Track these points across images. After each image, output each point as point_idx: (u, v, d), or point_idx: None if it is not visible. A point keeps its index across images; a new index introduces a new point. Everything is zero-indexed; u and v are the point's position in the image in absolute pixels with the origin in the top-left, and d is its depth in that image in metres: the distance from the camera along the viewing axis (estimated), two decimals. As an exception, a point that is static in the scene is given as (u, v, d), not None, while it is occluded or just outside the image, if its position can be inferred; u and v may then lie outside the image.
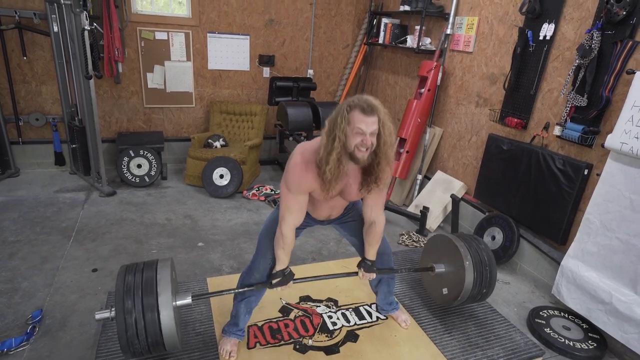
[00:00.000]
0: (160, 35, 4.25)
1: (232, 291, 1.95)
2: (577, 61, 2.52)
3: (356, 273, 2.05)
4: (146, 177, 4.02)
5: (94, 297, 2.40)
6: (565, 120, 2.65)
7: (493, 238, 3.16)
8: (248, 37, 4.57)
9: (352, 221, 2.05)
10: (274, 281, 1.88)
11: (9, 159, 4.00)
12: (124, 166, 3.94)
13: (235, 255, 2.97)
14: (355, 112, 1.50)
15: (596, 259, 2.48)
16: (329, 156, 1.55)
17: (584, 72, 2.50)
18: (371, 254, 2.01)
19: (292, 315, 2.33)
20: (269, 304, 2.38)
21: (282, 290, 1.91)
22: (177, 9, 4.38)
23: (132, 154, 3.95)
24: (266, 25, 4.59)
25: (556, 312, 2.57)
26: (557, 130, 2.71)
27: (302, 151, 1.65)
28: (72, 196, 3.70)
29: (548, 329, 2.40)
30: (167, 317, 1.65)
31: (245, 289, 1.94)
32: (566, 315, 2.56)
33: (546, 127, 2.85)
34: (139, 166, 3.99)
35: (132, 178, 3.98)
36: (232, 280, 2.55)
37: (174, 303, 1.72)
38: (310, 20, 4.75)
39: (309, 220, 1.98)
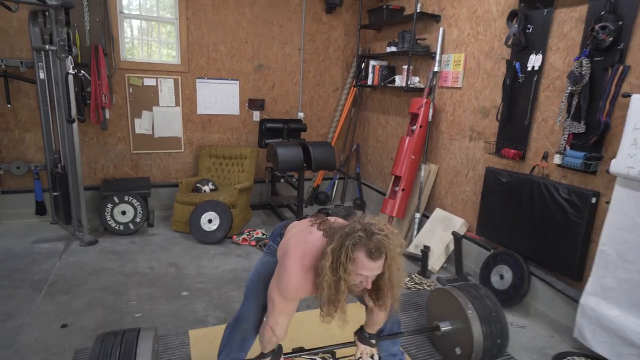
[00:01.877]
0: (149, 82, 4.25)
1: None
2: (569, 88, 2.48)
3: (353, 343, 1.87)
4: (131, 225, 3.81)
5: (60, 357, 2.11)
6: (565, 148, 2.56)
7: (502, 277, 2.95)
8: (237, 82, 4.59)
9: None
10: None
11: (-16, 209, 3.80)
12: (108, 213, 3.75)
13: (222, 305, 2.71)
14: (361, 255, 1.32)
15: (618, 295, 2.27)
16: (336, 297, 1.38)
17: (578, 98, 2.46)
18: (372, 329, 1.83)
19: (284, 371, 2.04)
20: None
21: None
22: (166, 55, 4.42)
23: (117, 201, 3.77)
24: (255, 71, 4.64)
25: (582, 359, 2.31)
26: (557, 159, 2.61)
27: (301, 256, 1.47)
28: (49, 246, 3.46)
29: (574, 378, 2.13)
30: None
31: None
32: (592, 361, 2.29)
33: (545, 157, 2.75)
34: (124, 213, 3.80)
35: (115, 226, 3.77)
36: (216, 332, 2.29)
37: None
38: (299, 65, 4.82)
39: None
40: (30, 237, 3.63)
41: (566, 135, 2.55)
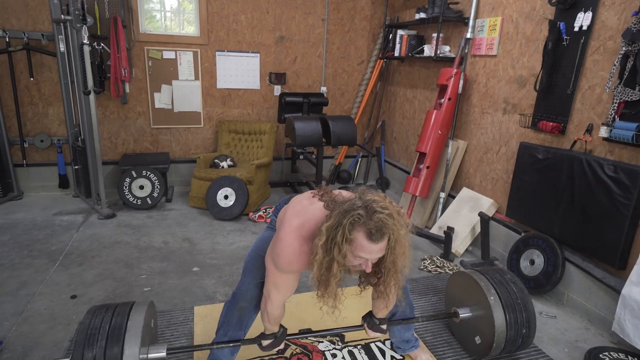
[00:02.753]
0: (168, 54, 4.17)
1: (213, 347, 1.65)
2: (623, 49, 2.14)
3: (362, 327, 1.73)
4: (148, 199, 3.81)
5: (66, 327, 2.10)
6: (614, 118, 2.24)
7: (532, 262, 2.69)
8: (258, 54, 4.43)
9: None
10: (264, 343, 1.61)
11: (12, 181, 3.90)
12: (126, 187, 3.75)
13: (232, 282, 2.63)
14: (360, 235, 1.15)
15: (668, 287, 1.98)
16: (327, 278, 1.23)
17: (634, 60, 2.12)
18: (381, 314, 1.68)
19: (288, 353, 1.94)
20: (262, 339, 2.01)
21: (275, 351, 1.65)
22: (186, 27, 4.31)
23: (134, 175, 3.76)
24: (277, 43, 4.45)
25: (621, 355, 2.06)
26: (603, 132, 2.29)
27: (299, 226, 1.32)
28: (69, 219, 3.51)
29: (612, 377, 1.89)
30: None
31: (229, 344, 1.65)
32: None
33: (589, 130, 2.43)
34: (141, 187, 3.79)
35: (133, 200, 3.77)
36: (221, 310, 2.20)
37: (142, 356, 1.44)
38: (323, 37, 4.58)
39: None
40: (52, 210, 3.70)
41: (616, 105, 2.22)
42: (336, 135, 3.49)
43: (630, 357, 2.05)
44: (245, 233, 3.42)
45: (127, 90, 4.12)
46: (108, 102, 4.11)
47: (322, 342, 2.02)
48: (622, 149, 2.25)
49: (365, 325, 1.70)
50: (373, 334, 1.70)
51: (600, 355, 2.05)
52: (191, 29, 4.28)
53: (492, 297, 1.83)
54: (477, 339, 1.91)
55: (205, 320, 2.15)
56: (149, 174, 3.79)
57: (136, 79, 4.14)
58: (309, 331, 2.08)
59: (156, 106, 4.26)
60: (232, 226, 3.54)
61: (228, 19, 4.24)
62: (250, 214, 3.73)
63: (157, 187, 3.82)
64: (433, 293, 2.55)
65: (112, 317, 1.50)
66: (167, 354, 1.54)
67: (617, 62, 2.18)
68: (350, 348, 1.99)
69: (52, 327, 2.09)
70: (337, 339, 2.05)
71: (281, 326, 1.63)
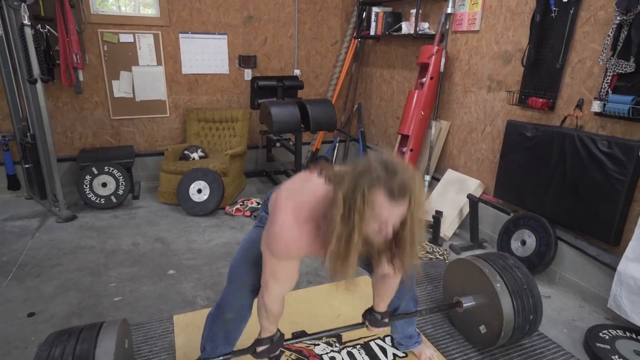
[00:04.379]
0: (126, 38, 3.78)
1: None
2: (617, 19, 2.05)
3: (363, 324, 1.58)
4: (113, 197, 3.48)
5: (23, 352, 1.83)
6: (607, 92, 2.17)
7: (523, 243, 2.64)
8: (225, 36, 4.12)
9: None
10: (259, 349, 1.41)
11: (-49, 185, 3.46)
12: (86, 186, 3.41)
13: (213, 284, 2.42)
14: (380, 196, 0.98)
15: (666, 262, 1.96)
16: (346, 252, 1.05)
17: (628, 30, 2.03)
18: (382, 307, 1.53)
19: (282, 359, 1.77)
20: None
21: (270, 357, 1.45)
22: (143, 9, 3.93)
23: (95, 172, 3.42)
24: (245, 23, 4.15)
25: (620, 332, 2.03)
26: (595, 106, 2.22)
27: (295, 206, 1.14)
28: (22, 224, 3.15)
29: (616, 357, 1.85)
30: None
31: (220, 358, 1.47)
32: (634, 336, 2.01)
33: (579, 105, 2.36)
34: (104, 185, 3.46)
35: (96, 199, 3.44)
36: (204, 317, 1.99)
37: None
38: (294, 16, 4.32)
39: None
40: (2, 215, 3.31)
41: (609, 78, 2.15)
42: (315, 120, 3.29)
43: (628, 333, 2.03)
44: (223, 228, 3.19)
45: (81, 78, 3.73)
46: (60, 92, 3.70)
47: (319, 344, 1.87)
48: (615, 123, 2.19)
49: (367, 323, 1.56)
50: (376, 330, 1.57)
51: (600, 334, 2.01)
52: (149, 11, 3.90)
53: (498, 285, 1.73)
54: (482, 329, 1.81)
55: (187, 330, 1.94)
56: (112, 170, 3.46)
57: (90, 66, 3.75)
58: (303, 334, 1.92)
59: (115, 95, 3.89)
60: (207, 222, 3.30)
61: (190, -3, 3.89)
62: (227, 207, 3.49)
63: (121, 183, 3.49)
64: (427, 281, 2.45)
65: (75, 345, 1.25)
66: None
67: (610, 32, 2.10)
68: (349, 349, 1.85)
69: (7, 354, 1.82)
70: (334, 340, 1.90)
71: (278, 330, 1.45)
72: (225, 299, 1.46)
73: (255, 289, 1.41)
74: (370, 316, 1.56)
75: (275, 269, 1.23)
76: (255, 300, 1.43)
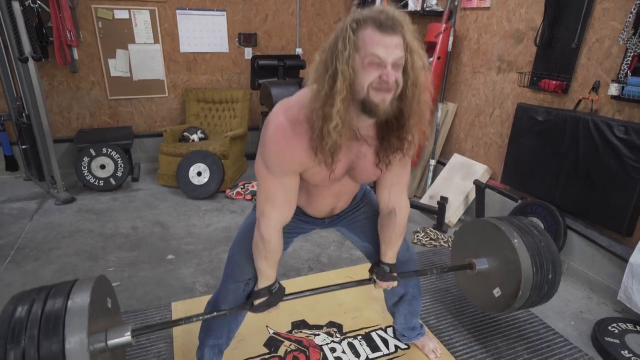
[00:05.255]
0: (121, 14, 3.64)
1: (191, 320, 1.29)
2: (641, -6, 1.91)
3: (370, 280, 1.46)
4: (112, 179, 3.42)
5: (19, 338, 1.80)
6: (626, 74, 2.05)
7: (530, 231, 2.56)
8: (224, 12, 3.96)
9: (363, 219, 1.45)
10: (256, 301, 1.29)
11: (-52, 166, 3.41)
12: (84, 168, 3.35)
13: (213, 269, 2.38)
14: (368, 30, 0.90)
15: (680, 253, 1.88)
16: (329, 107, 0.94)
17: (652, 7, 1.90)
18: (390, 256, 1.42)
19: (282, 351, 1.74)
20: (250, 336, 1.79)
21: (269, 313, 1.32)
22: (140, -17, 3.76)
23: (93, 153, 3.35)
24: (245, -2, 3.99)
25: (630, 326, 1.97)
26: (613, 89, 2.10)
27: (286, 107, 1.05)
28: (20, 206, 3.11)
29: (626, 352, 1.80)
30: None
31: (214, 314, 1.31)
32: (643, 329, 1.96)
33: (595, 88, 2.24)
34: (103, 167, 3.39)
35: (94, 181, 3.38)
36: (203, 304, 1.95)
37: (97, 345, 1.10)
38: (296, -9, 4.14)
39: (302, 222, 1.38)
40: None
41: (629, 58, 2.02)
42: (318, 102, 3.17)
43: (638, 327, 1.98)
44: (223, 212, 3.14)
45: (76, 56, 3.62)
46: (55, 70, 3.60)
47: (319, 334, 1.83)
48: (634, 107, 2.08)
49: (374, 276, 1.43)
50: (385, 285, 1.43)
51: (609, 327, 1.96)
52: (146, -17, 3.74)
53: (515, 240, 1.60)
54: (497, 291, 1.69)
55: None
56: (110, 152, 3.39)
57: (85, 44, 3.63)
58: (303, 324, 1.88)
59: (112, 74, 3.78)
60: (208, 205, 3.25)
61: (188, -30, 3.72)
62: (227, 190, 3.43)
63: (120, 165, 3.43)
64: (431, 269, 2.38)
65: (45, 299, 1.08)
66: (132, 336, 1.17)
67: (633, 9, 1.96)
68: (349, 339, 1.81)
69: (3, 340, 1.79)
70: (335, 330, 1.86)
71: (277, 281, 1.32)
72: (220, 289, 1.40)
73: (252, 284, 1.35)
74: (377, 268, 1.42)
75: (270, 189, 1.12)
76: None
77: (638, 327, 1.97)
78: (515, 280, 1.58)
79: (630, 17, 1.98)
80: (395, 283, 1.44)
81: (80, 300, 1.08)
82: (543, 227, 2.44)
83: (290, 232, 1.36)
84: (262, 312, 1.31)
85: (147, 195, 3.41)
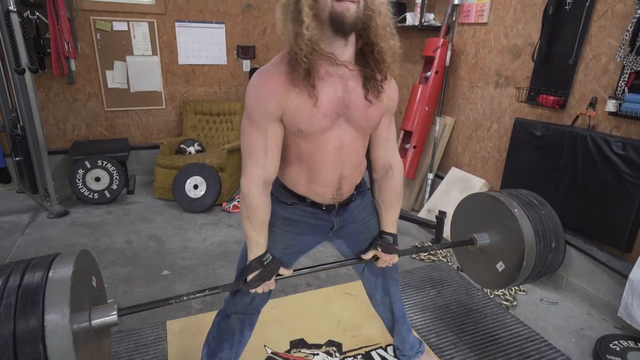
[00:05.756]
0: (119, 26, 3.64)
1: (181, 298, 1.22)
2: (639, 12, 1.93)
3: (374, 259, 1.40)
4: (107, 192, 3.38)
5: (9, 358, 1.75)
6: (623, 91, 2.06)
7: (530, 246, 2.55)
8: (223, 25, 3.98)
9: (367, 238, 1.41)
10: (249, 277, 1.21)
11: (-61, 178, 3.36)
12: (79, 180, 3.31)
13: (209, 285, 2.34)
14: None
15: (681, 270, 1.87)
16: (298, 23, 1.00)
17: (648, 25, 1.92)
18: (392, 222, 1.39)
19: (280, 371, 1.69)
20: (248, 355, 1.74)
21: (263, 290, 1.23)
22: (139, -5, 3.78)
23: (89, 165, 3.32)
24: (244, 12, 4.01)
25: (631, 344, 1.95)
26: (610, 106, 2.11)
27: (268, 64, 1.11)
28: (12, 219, 3.06)
29: (629, 370, 1.77)
30: (58, 350, 0.90)
31: (205, 291, 1.22)
32: (645, 347, 1.94)
33: (592, 104, 2.25)
34: (98, 179, 3.36)
35: (89, 194, 3.34)
36: (199, 322, 1.93)
37: (81, 324, 1.01)
38: (294, 5, 4.16)
39: (309, 226, 1.29)
40: (-8, 209, 3.22)
41: (626, 75, 2.04)
42: (316, 115, 3.17)
43: (639, 344, 1.96)
44: (220, 226, 3.10)
45: (73, 68, 3.60)
46: (51, 82, 3.58)
47: (318, 354, 1.79)
48: (631, 124, 2.09)
49: (378, 249, 1.35)
50: (389, 258, 1.37)
51: (610, 345, 1.94)
52: (144, -4, 3.76)
53: (516, 210, 1.56)
54: (500, 265, 1.64)
55: (181, 337, 1.86)
56: (106, 164, 3.36)
57: (83, 55, 3.62)
58: (302, 343, 1.84)
59: (109, 86, 3.76)
60: (204, 219, 3.21)
61: (187, -16, 3.74)
62: (224, 204, 3.40)
63: (115, 178, 3.39)
64: (430, 286, 2.37)
65: (24, 271, 1.00)
66: (119, 315, 1.10)
67: (630, 27, 1.98)
68: (349, 359, 1.77)
69: (-9, 360, 1.74)
70: (334, 349, 1.82)
71: (270, 254, 1.22)
72: (230, 299, 1.37)
73: (258, 297, 1.32)
74: (380, 240, 1.36)
75: (251, 141, 1.10)
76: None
77: (639, 344, 1.95)
78: (518, 251, 1.54)
79: (627, 35, 2.00)
80: (396, 258, 1.39)
81: (62, 272, 1.00)
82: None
83: (293, 248, 1.33)
84: (256, 288, 1.20)
85: (143, 208, 3.37)
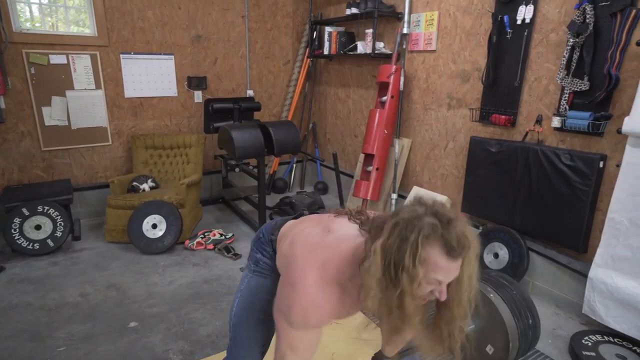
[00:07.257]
0: (57, 59, 3.38)
1: None
2: (570, 41, 2.19)
3: None
4: (49, 241, 3.03)
5: None
6: (565, 109, 2.31)
7: (496, 256, 2.70)
8: (172, 56, 3.85)
9: None
10: None
11: None
12: (15, 230, 2.93)
13: (185, 332, 2.15)
14: (435, 252, 0.85)
15: (632, 265, 2.08)
16: (403, 320, 0.91)
17: (580, 51, 2.19)
18: (389, 351, 1.40)
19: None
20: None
21: None
22: (75, 27, 3.55)
23: (27, 213, 2.96)
24: (193, 43, 3.92)
25: (599, 337, 2.11)
26: (555, 122, 2.35)
27: (320, 265, 1.00)
28: None
29: (605, 364, 1.91)
30: None
31: None
32: (613, 339, 2.10)
33: (539, 121, 2.49)
34: (38, 227, 3.00)
35: (28, 245, 2.96)
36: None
37: None
38: (244, 35, 4.17)
39: None
40: None
41: (567, 95, 2.29)
42: (279, 144, 3.15)
43: (606, 337, 2.12)
44: (185, 266, 2.90)
45: (2, 105, 3.24)
46: (-24, 122, 3.19)
47: (319, 393, 1.70)
48: (574, 137, 2.33)
49: None
50: None
51: (583, 341, 2.08)
52: (83, 30, 3.53)
53: (491, 295, 1.70)
54: (489, 349, 1.76)
55: (165, 397, 1.67)
56: (48, 209, 3.02)
57: (14, 91, 3.28)
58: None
59: (47, 123, 3.44)
60: (166, 260, 2.99)
61: (132, 15, 3.59)
62: (187, 241, 3.20)
63: (60, 224, 3.05)
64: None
65: None
66: None
67: (565, 53, 2.24)
68: (351, 393, 1.71)
69: None
70: (335, 385, 1.75)
71: None
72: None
73: (266, 348, 1.23)
74: None
75: (294, 342, 1.06)
76: None
77: (606, 337, 2.12)
78: (502, 333, 1.67)
79: (563, 60, 2.25)
80: None
81: None
82: (508, 257, 2.60)
83: None
84: None
85: (94, 255, 3.05)
